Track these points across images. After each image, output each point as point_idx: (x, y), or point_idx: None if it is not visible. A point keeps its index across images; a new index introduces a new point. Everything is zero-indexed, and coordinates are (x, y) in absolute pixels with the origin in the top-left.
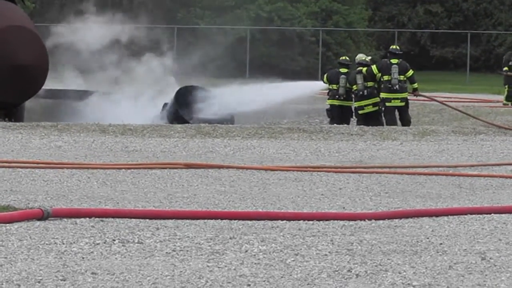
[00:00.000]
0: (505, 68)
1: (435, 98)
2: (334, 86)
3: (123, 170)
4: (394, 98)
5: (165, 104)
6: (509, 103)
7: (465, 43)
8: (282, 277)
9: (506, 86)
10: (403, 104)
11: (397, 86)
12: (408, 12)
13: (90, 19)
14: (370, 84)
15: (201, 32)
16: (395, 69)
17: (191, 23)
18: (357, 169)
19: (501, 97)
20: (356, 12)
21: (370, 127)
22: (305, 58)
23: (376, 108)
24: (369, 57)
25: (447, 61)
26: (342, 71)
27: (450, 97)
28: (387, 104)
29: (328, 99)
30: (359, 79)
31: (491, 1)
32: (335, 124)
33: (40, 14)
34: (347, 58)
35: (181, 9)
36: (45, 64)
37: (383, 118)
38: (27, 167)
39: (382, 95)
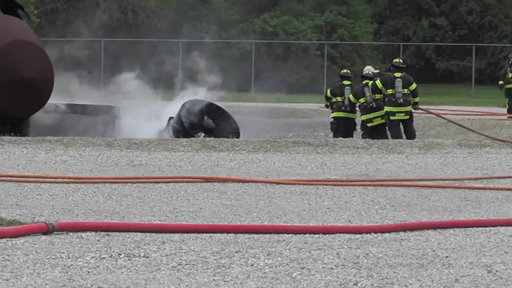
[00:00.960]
0: (501, 82)
1: (431, 111)
2: (339, 99)
3: (129, 184)
4: (398, 112)
5: (170, 118)
6: None
7: (470, 56)
8: None
9: (507, 99)
10: (407, 117)
11: (401, 100)
12: (413, 25)
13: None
14: (378, 96)
15: (207, 46)
16: (399, 83)
17: (196, 37)
18: (363, 182)
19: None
20: (361, 26)
21: (376, 140)
22: (310, 72)
23: (384, 120)
24: (377, 70)
25: (452, 74)
26: (345, 83)
27: (456, 110)
28: (392, 117)
29: (333, 112)
30: (367, 91)
31: (495, 14)
32: (340, 138)
33: (45, 29)
34: (349, 71)
35: (186, 23)
36: (50, 78)
37: (388, 131)
38: (32, 182)
39: (387, 108)
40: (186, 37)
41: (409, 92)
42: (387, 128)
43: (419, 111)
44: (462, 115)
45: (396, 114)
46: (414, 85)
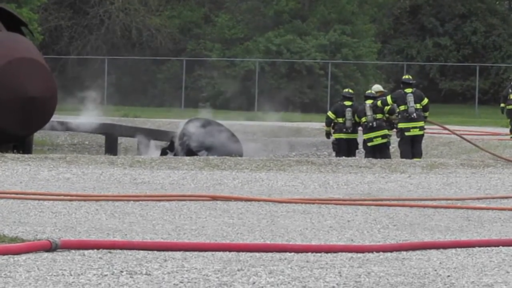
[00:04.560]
0: (502, 104)
1: (445, 126)
2: (340, 120)
3: (132, 202)
4: (413, 127)
5: (173, 137)
6: None
7: (474, 76)
8: None
9: (509, 120)
10: (421, 132)
11: (414, 115)
12: (417, 45)
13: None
14: (379, 116)
15: (210, 64)
16: (410, 98)
17: (200, 56)
18: (366, 202)
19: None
20: (365, 45)
21: (379, 159)
22: (314, 91)
23: (385, 140)
24: (385, 90)
25: (456, 93)
26: (346, 104)
27: (459, 130)
28: (407, 133)
29: (334, 133)
30: (369, 111)
31: (500, 34)
32: (343, 157)
33: (49, 46)
34: (351, 90)
35: (190, 42)
36: (54, 96)
37: (399, 148)
38: (35, 199)
39: (400, 125)
40: (190, 55)
41: (421, 107)
42: (388, 147)
43: (433, 126)
44: (465, 134)
45: (411, 130)
46: (426, 100)
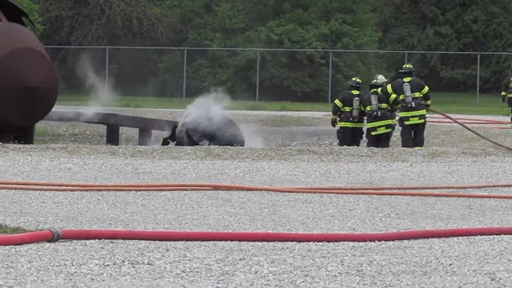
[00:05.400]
0: (503, 93)
1: (447, 115)
2: (347, 109)
3: (133, 192)
4: (412, 116)
5: (175, 126)
6: None
7: (474, 65)
8: None
9: (511, 108)
10: (422, 121)
11: (412, 104)
12: (418, 34)
13: (98, 42)
14: (384, 105)
15: (211, 54)
16: (407, 87)
17: (201, 45)
18: (367, 191)
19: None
20: (366, 34)
21: (380, 148)
22: (315, 80)
23: (389, 130)
24: (386, 79)
25: (457, 82)
26: (354, 93)
27: (461, 119)
28: (406, 122)
29: (340, 121)
30: (374, 100)
31: (500, 22)
32: (345, 146)
33: (50, 36)
34: (359, 80)
35: (191, 31)
36: (54, 86)
37: (401, 137)
38: (37, 189)
39: (400, 114)
40: (191, 45)
41: (421, 96)
42: (400, 133)
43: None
44: (466, 123)
45: (410, 119)
46: (426, 88)
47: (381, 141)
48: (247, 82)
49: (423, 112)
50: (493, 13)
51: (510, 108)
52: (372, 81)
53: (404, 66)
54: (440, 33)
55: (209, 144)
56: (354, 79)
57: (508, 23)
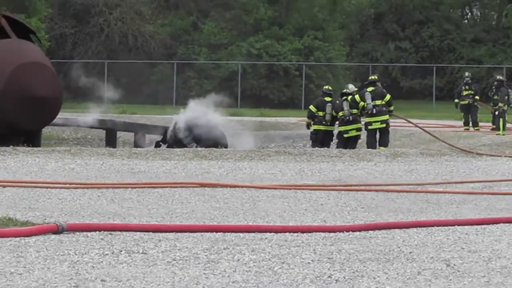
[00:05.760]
0: (456, 100)
1: (408, 119)
2: (321, 113)
3: (129, 189)
4: (374, 121)
5: (166, 131)
6: (468, 127)
7: (431, 75)
8: (270, 283)
9: (463, 114)
10: (384, 125)
11: (373, 110)
12: (381, 48)
13: (98, 56)
14: (354, 111)
15: (198, 66)
16: (368, 96)
17: (189, 59)
18: (337, 187)
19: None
20: (335, 49)
21: (348, 149)
22: (290, 90)
23: (359, 133)
24: (356, 89)
25: (415, 91)
26: (327, 100)
27: (419, 123)
28: (369, 127)
29: (314, 124)
30: (346, 106)
31: (453, 38)
32: (317, 148)
33: (55, 52)
34: (330, 88)
35: (180, 46)
36: (59, 96)
37: (366, 139)
38: (43, 187)
39: (365, 119)
40: (180, 59)
41: (383, 103)
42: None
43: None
44: (425, 127)
45: (373, 124)
46: (388, 96)
47: (350, 143)
48: (230, 91)
49: (384, 117)
50: (447, 30)
51: (462, 114)
52: (344, 90)
53: (369, 77)
54: (400, 48)
55: (196, 147)
56: (326, 87)
57: (460, 39)
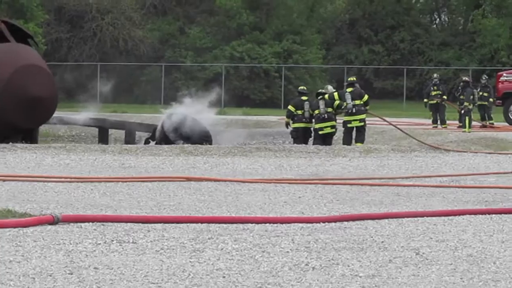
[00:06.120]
0: (425, 100)
1: (384, 118)
2: (299, 112)
3: (120, 183)
4: (353, 120)
5: (155, 128)
6: (436, 125)
7: (402, 77)
8: (251, 270)
9: (431, 112)
10: (362, 124)
11: (353, 110)
12: (355, 51)
13: (91, 59)
14: (329, 109)
15: (185, 69)
16: (348, 96)
17: (176, 62)
18: (314, 181)
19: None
20: (312, 52)
21: (324, 146)
22: (270, 90)
23: (333, 130)
24: (334, 90)
25: (387, 91)
26: (303, 99)
27: (392, 122)
28: (349, 125)
29: (294, 123)
30: (322, 105)
31: (423, 42)
32: (295, 144)
33: (51, 55)
34: (305, 87)
35: (168, 50)
36: (55, 96)
37: (343, 136)
38: (40, 181)
39: (344, 118)
40: (168, 62)
41: (362, 103)
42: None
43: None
44: (396, 125)
45: (352, 122)
46: (366, 97)
47: (326, 139)
48: (214, 91)
49: (363, 116)
50: (417, 34)
51: (431, 113)
52: (320, 90)
53: (348, 79)
54: (373, 51)
55: (183, 143)
56: (301, 87)
57: (429, 42)
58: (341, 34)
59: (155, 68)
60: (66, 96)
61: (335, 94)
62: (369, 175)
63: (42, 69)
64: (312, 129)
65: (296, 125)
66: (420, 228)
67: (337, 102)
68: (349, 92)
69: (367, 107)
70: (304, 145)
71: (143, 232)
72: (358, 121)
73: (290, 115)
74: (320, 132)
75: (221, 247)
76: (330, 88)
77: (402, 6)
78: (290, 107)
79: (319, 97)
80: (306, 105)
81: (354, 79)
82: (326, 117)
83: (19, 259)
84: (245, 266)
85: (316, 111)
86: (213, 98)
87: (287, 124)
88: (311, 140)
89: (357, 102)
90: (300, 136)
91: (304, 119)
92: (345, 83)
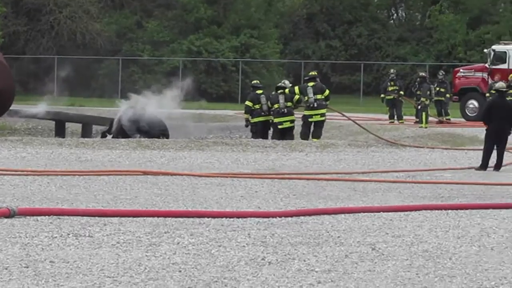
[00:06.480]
0: (382, 95)
1: (343, 113)
2: (257, 106)
3: (77, 176)
4: (315, 114)
5: (112, 122)
6: (393, 120)
7: (359, 72)
8: (207, 264)
9: (388, 108)
10: (323, 118)
11: (314, 104)
12: (312, 46)
13: (48, 52)
14: (289, 104)
15: (142, 62)
16: (309, 90)
17: (134, 55)
18: (270, 176)
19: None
20: (270, 46)
21: (281, 140)
22: (228, 84)
23: (292, 124)
24: (290, 84)
25: (344, 86)
26: (259, 93)
27: (352, 117)
28: (309, 119)
29: (253, 118)
30: (281, 99)
31: (380, 37)
32: (252, 138)
33: (8, 48)
34: (258, 81)
35: (125, 44)
36: (12, 89)
37: (301, 130)
38: None
39: (305, 112)
40: (125, 55)
41: (323, 97)
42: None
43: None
44: (352, 120)
45: (313, 116)
46: (327, 92)
47: (286, 133)
48: (172, 85)
49: (323, 111)
50: (374, 29)
51: (387, 108)
52: (279, 84)
53: (309, 73)
54: (330, 46)
55: (139, 137)
56: (255, 81)
57: (386, 38)
58: (298, 29)
59: (112, 61)
60: (23, 89)
61: (296, 88)
62: (325, 170)
63: None
64: (271, 121)
65: (256, 119)
66: (376, 223)
67: (297, 96)
68: (311, 86)
69: (327, 102)
70: (261, 139)
71: (99, 226)
72: (319, 116)
73: (249, 111)
74: (280, 127)
75: (178, 241)
76: (287, 82)
77: (360, 1)
78: (247, 102)
79: (279, 91)
80: (263, 99)
81: (315, 73)
82: (285, 111)
83: None
84: (201, 260)
85: (276, 105)
86: (170, 91)
87: (247, 120)
88: (270, 133)
89: (319, 96)
90: (259, 130)
91: (262, 113)
92: (306, 78)
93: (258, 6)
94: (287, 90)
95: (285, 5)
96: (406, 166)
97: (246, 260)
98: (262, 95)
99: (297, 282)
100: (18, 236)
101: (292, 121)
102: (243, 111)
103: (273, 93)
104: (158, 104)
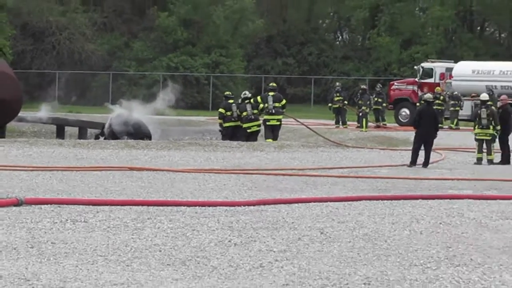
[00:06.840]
0: (329, 104)
1: (297, 119)
2: (228, 113)
3: (74, 171)
4: (272, 119)
5: (103, 126)
6: (339, 125)
7: (310, 85)
8: (183, 245)
9: (334, 115)
10: (279, 123)
11: (273, 111)
12: (271, 63)
13: (50, 67)
14: (255, 111)
15: (129, 76)
16: (270, 99)
17: (122, 70)
18: (236, 171)
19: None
20: (236, 63)
21: (245, 142)
22: (201, 95)
23: (259, 128)
24: (250, 94)
25: (298, 97)
26: (230, 102)
27: (303, 122)
28: (268, 123)
29: (225, 123)
30: (249, 108)
31: (328, 55)
32: (221, 140)
33: (17, 63)
34: (230, 93)
35: (115, 61)
36: (20, 98)
37: (264, 132)
38: (7, 170)
39: (264, 117)
40: (115, 70)
41: (280, 105)
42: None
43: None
44: (304, 124)
45: (271, 121)
46: (284, 101)
47: (252, 136)
48: (153, 96)
49: (280, 117)
50: (323, 49)
51: (334, 115)
52: (244, 95)
53: (270, 84)
54: (286, 63)
55: (127, 139)
56: (227, 92)
57: (333, 56)
58: (259, 49)
59: (104, 75)
60: (29, 98)
61: (258, 98)
62: (282, 166)
63: (9, 75)
64: (240, 126)
65: (227, 124)
66: (324, 211)
67: (261, 105)
68: (271, 95)
69: (284, 110)
70: (229, 141)
71: (93, 213)
72: (275, 120)
73: (222, 117)
74: (249, 131)
75: (158, 226)
76: (247, 93)
77: (310, 26)
78: (220, 110)
79: (246, 101)
80: (234, 107)
81: (275, 85)
82: (253, 117)
83: None
84: (178, 242)
85: (244, 113)
86: (152, 101)
87: (221, 125)
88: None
89: (277, 104)
90: (230, 133)
91: (233, 119)
92: (269, 88)
93: (226, 30)
94: (252, 100)
95: (248, 29)
96: (349, 163)
97: (216, 241)
98: (233, 104)
99: (258, 260)
100: (24, 222)
101: (258, 125)
102: (217, 117)
103: (240, 102)
104: (142, 111)
